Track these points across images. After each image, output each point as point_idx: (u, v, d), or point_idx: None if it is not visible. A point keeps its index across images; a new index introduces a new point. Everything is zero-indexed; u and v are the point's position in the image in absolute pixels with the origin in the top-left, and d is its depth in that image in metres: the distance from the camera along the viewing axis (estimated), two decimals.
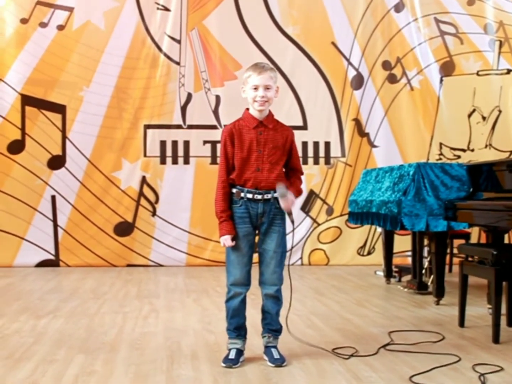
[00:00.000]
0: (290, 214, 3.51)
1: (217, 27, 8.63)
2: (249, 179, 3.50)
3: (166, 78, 8.54)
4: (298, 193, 3.58)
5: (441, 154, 8.76)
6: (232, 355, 3.52)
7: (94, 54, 8.40)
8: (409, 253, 6.80)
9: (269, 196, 3.51)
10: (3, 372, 3.36)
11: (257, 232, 3.61)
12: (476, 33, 8.93)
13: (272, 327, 3.62)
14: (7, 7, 8.31)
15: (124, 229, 8.39)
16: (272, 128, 3.51)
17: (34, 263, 8.20)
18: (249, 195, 3.51)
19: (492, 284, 4.11)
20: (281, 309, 3.65)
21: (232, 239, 3.51)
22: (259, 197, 3.51)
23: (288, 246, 3.64)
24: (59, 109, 8.35)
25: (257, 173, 3.50)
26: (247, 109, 3.60)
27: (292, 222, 3.50)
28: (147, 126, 8.50)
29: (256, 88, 3.49)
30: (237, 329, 3.61)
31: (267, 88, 3.49)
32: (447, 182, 5.30)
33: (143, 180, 8.46)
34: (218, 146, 8.47)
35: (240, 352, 3.56)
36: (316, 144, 8.66)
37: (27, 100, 8.30)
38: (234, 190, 3.54)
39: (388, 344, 3.98)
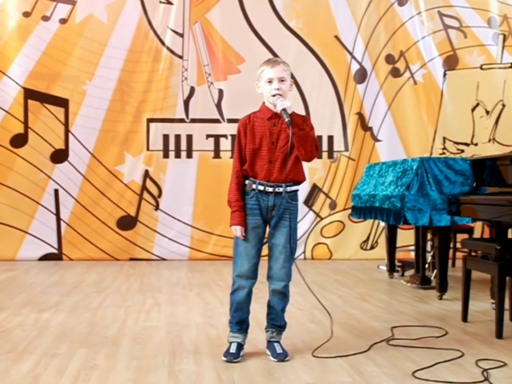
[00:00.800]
0: (285, 112, 3.39)
1: (220, 20, 8.60)
2: (261, 171, 3.49)
3: (169, 72, 8.53)
4: (303, 132, 3.42)
5: (444, 148, 8.73)
6: (233, 349, 3.52)
7: (96, 48, 8.39)
8: (412, 248, 6.79)
9: (281, 189, 3.49)
10: (6, 366, 3.36)
11: (267, 225, 3.58)
12: (480, 26, 8.89)
13: (276, 323, 3.62)
14: (9, 0, 8.29)
15: (127, 223, 8.39)
16: (285, 123, 3.46)
17: (37, 256, 8.21)
18: (261, 187, 3.49)
19: (496, 279, 4.10)
20: (287, 305, 3.64)
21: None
22: (270, 189, 3.49)
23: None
24: (62, 102, 8.34)
25: (270, 165, 3.48)
26: (264, 102, 3.60)
27: (289, 123, 3.37)
28: (150, 120, 8.49)
29: (270, 81, 3.48)
30: (240, 323, 3.60)
31: (281, 80, 3.49)
32: (451, 177, 5.29)
33: (146, 174, 8.45)
34: (221, 140, 8.48)
35: (240, 346, 3.56)
36: (319, 138, 8.64)
37: (29, 94, 8.30)
38: (246, 182, 3.54)
39: (389, 339, 3.97)
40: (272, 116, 3.52)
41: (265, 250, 3.57)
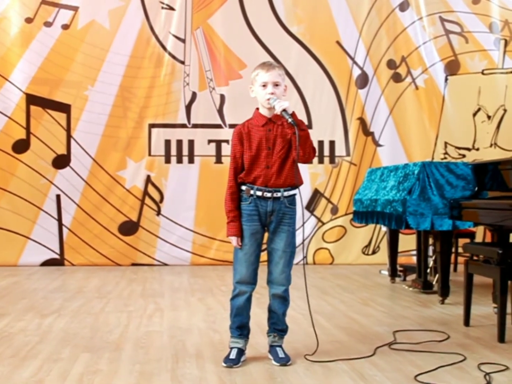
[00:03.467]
0: (286, 113, 3.38)
1: (221, 26, 8.62)
2: (258, 177, 3.50)
3: (171, 77, 8.54)
4: (304, 133, 3.42)
5: (446, 153, 8.74)
6: (233, 354, 3.52)
7: (98, 53, 8.41)
8: (414, 252, 6.80)
9: (279, 194, 3.50)
10: (8, 371, 3.36)
11: (266, 230, 3.59)
12: (481, 32, 8.90)
13: (278, 327, 3.62)
14: (12, 6, 8.31)
15: (129, 228, 8.39)
16: (281, 124, 3.48)
17: (39, 262, 8.21)
18: (259, 193, 3.50)
19: (498, 283, 4.10)
20: (288, 309, 3.64)
21: (241, 239, 3.53)
22: (269, 195, 3.50)
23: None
24: (64, 108, 8.36)
25: (267, 170, 3.49)
26: (257, 108, 3.60)
27: (293, 123, 3.36)
28: (152, 125, 8.50)
29: (265, 86, 3.48)
30: (240, 328, 3.61)
31: (276, 85, 3.48)
32: (452, 181, 5.29)
33: (148, 179, 8.46)
34: (223, 145, 8.48)
35: (241, 352, 3.56)
36: (320, 143, 8.65)
37: (32, 99, 8.31)
38: (243, 188, 3.54)
39: (391, 343, 3.97)
40: (267, 122, 3.52)
41: (263, 256, 3.57)
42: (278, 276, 3.55)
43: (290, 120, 3.37)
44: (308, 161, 3.53)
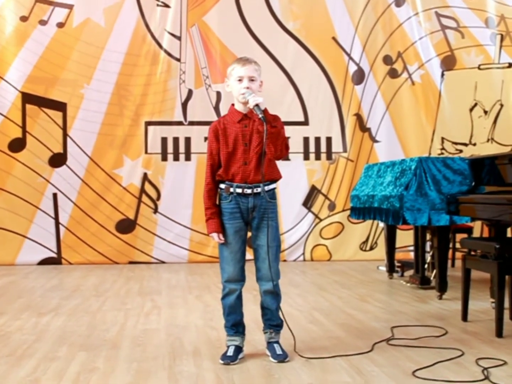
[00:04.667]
0: (258, 108, 3.36)
1: (217, 23, 8.61)
2: (237, 174, 3.49)
3: (167, 75, 8.53)
4: (275, 130, 3.39)
5: (443, 148, 8.73)
6: (230, 352, 3.52)
7: (94, 51, 8.39)
8: (412, 248, 6.79)
9: (259, 189, 3.48)
10: (5, 369, 3.35)
11: (249, 227, 3.58)
12: (477, 27, 8.89)
13: (273, 323, 3.61)
14: (7, 5, 8.29)
15: (126, 226, 8.38)
16: (257, 120, 3.44)
17: (36, 261, 8.20)
18: (239, 190, 3.49)
19: (495, 278, 4.10)
20: (281, 303, 3.63)
21: (223, 235, 3.52)
22: (249, 191, 3.49)
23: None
24: (60, 106, 8.34)
25: (245, 166, 3.47)
26: (233, 104, 3.59)
27: (263, 119, 3.34)
28: (148, 123, 8.48)
29: (240, 80, 3.48)
30: (235, 326, 3.61)
31: (251, 79, 3.48)
32: (449, 176, 5.28)
33: (145, 177, 8.45)
34: None
35: (238, 349, 3.56)
36: (317, 140, 8.64)
37: (27, 98, 8.29)
38: (223, 186, 3.53)
39: (389, 339, 3.96)
40: (243, 118, 3.51)
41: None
42: (266, 272, 3.53)
43: (260, 115, 3.35)
44: (280, 157, 3.51)
